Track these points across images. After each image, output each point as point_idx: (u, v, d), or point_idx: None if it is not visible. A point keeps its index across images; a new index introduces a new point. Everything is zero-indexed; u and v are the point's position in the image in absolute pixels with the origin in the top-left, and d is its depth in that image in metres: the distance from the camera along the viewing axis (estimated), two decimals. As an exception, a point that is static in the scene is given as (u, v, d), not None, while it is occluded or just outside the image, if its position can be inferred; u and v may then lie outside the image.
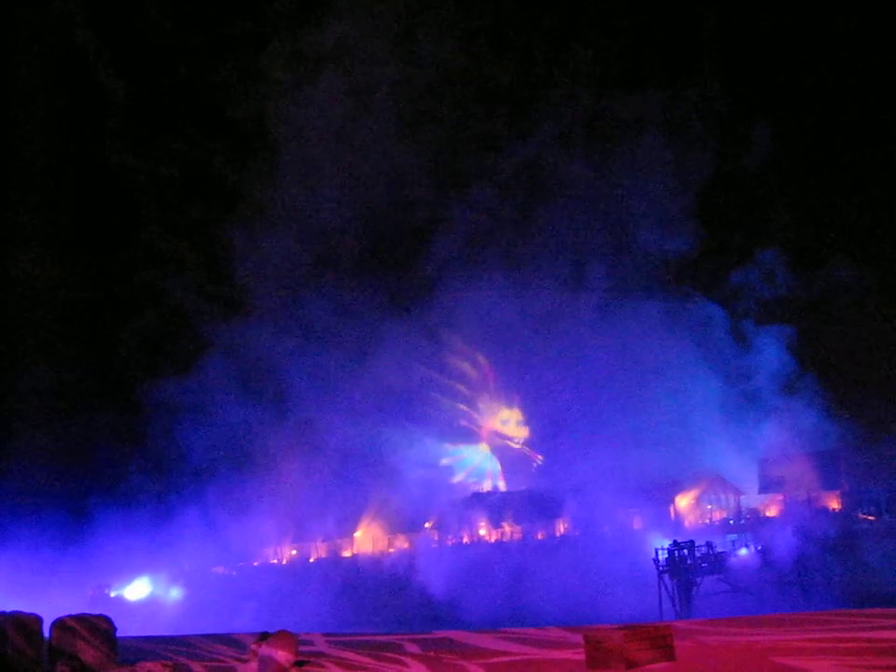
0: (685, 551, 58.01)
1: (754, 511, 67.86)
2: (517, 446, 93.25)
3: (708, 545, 59.12)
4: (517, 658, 24.92)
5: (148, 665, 23.88)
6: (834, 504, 63.58)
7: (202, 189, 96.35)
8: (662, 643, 21.38)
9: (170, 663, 24.18)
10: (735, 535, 63.79)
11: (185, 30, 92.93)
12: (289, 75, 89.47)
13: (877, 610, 30.67)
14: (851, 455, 65.45)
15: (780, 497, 67.10)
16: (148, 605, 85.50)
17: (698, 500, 70.71)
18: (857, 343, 79.03)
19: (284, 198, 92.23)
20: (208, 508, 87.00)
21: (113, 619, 30.81)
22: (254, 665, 26.21)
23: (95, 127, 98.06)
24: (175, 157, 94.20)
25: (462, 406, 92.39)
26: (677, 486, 70.51)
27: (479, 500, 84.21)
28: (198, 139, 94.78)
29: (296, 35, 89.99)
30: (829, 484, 65.02)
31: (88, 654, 28.65)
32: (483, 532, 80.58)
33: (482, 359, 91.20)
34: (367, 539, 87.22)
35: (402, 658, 27.56)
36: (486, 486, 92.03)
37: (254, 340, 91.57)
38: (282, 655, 25.68)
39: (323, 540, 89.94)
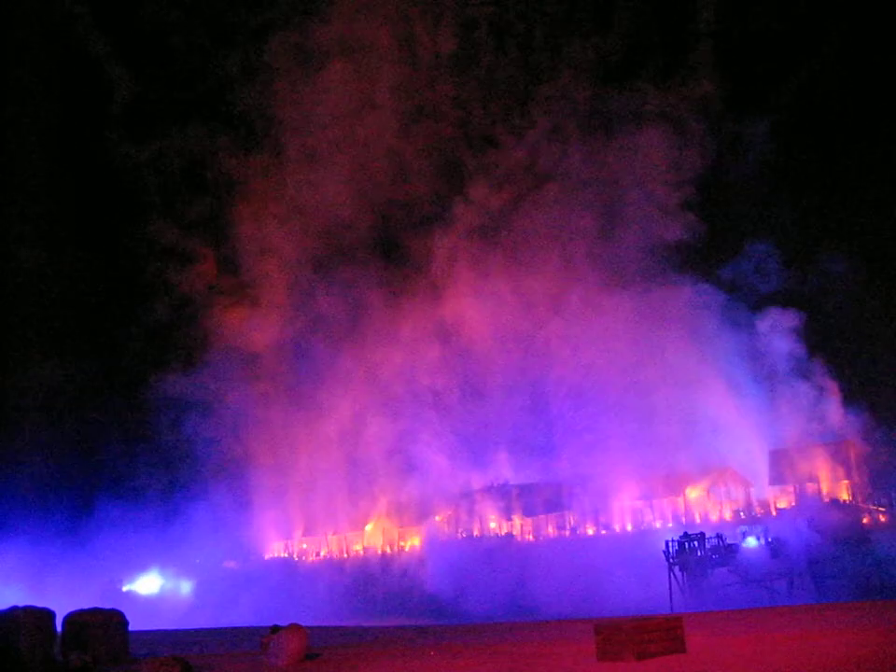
0: (695, 542, 58.00)
1: (765, 503, 67.78)
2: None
3: (719, 537, 59.07)
4: (527, 650, 24.92)
5: (160, 658, 24.00)
6: (845, 495, 63.44)
7: (207, 181, 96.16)
8: (672, 635, 21.37)
9: (181, 656, 24.29)
10: (746, 527, 63.71)
11: (189, 21, 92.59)
12: (294, 66, 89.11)
13: (890, 602, 30.64)
14: (862, 447, 65.24)
15: (791, 489, 67.01)
16: (160, 599, 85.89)
17: (708, 492, 70.64)
18: (864, 333, 78.75)
19: (289, 190, 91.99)
20: (218, 502, 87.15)
21: (125, 613, 31.12)
22: (266, 657, 26.32)
23: (98, 118, 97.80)
24: (181, 149, 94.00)
25: (470, 399, 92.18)
26: (687, 478, 70.48)
27: (489, 493, 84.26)
28: (203, 131, 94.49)
29: (300, 26, 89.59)
30: (840, 476, 64.88)
31: (100, 648, 28.87)
32: (493, 525, 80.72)
33: (486, 353, 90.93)
34: (377, 533, 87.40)
35: (413, 651, 27.61)
36: (496, 479, 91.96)
37: (262, 333, 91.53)
38: (293, 648, 25.81)
39: (334, 534, 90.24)
